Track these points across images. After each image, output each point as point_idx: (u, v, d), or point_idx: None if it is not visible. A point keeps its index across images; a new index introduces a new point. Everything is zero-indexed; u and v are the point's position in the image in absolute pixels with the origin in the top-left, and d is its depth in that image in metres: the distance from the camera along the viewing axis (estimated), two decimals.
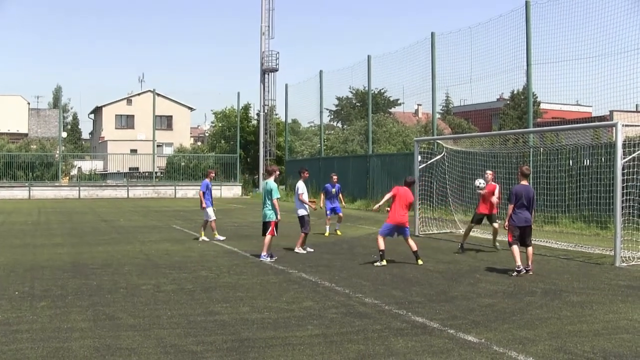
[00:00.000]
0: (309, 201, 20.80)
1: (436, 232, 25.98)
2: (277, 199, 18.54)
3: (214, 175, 25.27)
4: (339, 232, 25.74)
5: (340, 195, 26.35)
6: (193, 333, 10.11)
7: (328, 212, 25.62)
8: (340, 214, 25.99)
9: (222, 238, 23.35)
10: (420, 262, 17.44)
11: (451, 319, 11.12)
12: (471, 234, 24.89)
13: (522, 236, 16.22)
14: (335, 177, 25.99)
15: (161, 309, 11.87)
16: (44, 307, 11.94)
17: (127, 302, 12.51)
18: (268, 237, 18.46)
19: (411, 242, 17.79)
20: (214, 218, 23.85)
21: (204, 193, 23.82)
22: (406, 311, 11.73)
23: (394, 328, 10.50)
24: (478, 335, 10.01)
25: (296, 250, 20.05)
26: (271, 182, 18.79)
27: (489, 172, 21.01)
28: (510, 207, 16.19)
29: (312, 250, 20.42)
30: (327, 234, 25.16)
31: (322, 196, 25.91)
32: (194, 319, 11.03)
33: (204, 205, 23.73)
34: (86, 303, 12.37)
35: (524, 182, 16.48)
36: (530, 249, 16.27)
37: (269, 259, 18.27)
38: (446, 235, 25.11)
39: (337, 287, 14.23)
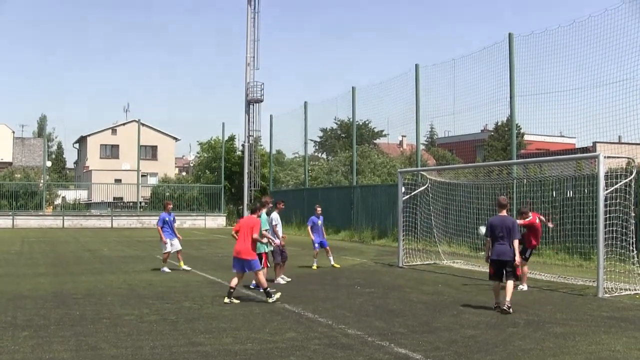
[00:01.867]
0: (282, 235, 20.58)
1: (419, 263, 25.97)
2: (266, 230, 18.45)
3: (171, 206, 24.59)
4: (336, 265, 25.09)
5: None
6: None
7: (317, 245, 24.99)
8: (328, 247, 25.37)
9: (167, 270, 23.09)
10: (270, 299, 16.36)
11: (434, 350, 11.13)
12: (454, 265, 24.99)
13: (500, 271, 15.32)
14: (319, 208, 25.61)
15: (144, 339, 11.83)
16: (26, 337, 11.88)
17: (109, 332, 12.46)
18: (260, 273, 17.87)
19: (260, 277, 16.63)
20: (169, 250, 23.47)
21: (161, 227, 23.54)
22: (389, 342, 11.73)
23: (376, 359, 10.50)
24: None
25: (276, 281, 19.98)
26: (262, 214, 18.74)
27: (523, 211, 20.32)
28: (487, 240, 15.58)
29: (289, 279, 20.41)
30: (315, 267, 24.78)
31: (309, 229, 25.34)
32: (177, 350, 11.00)
33: (164, 240, 23.48)
34: (69, 333, 12.32)
35: (503, 213, 15.71)
36: (509, 283, 15.25)
37: (275, 289, 18.26)
38: (430, 267, 25.11)
39: (320, 318, 14.22)
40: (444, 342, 11.85)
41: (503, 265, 15.28)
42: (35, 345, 11.23)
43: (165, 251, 23.44)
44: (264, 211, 18.73)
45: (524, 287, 19.01)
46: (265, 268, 18.44)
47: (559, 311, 15.33)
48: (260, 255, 18.32)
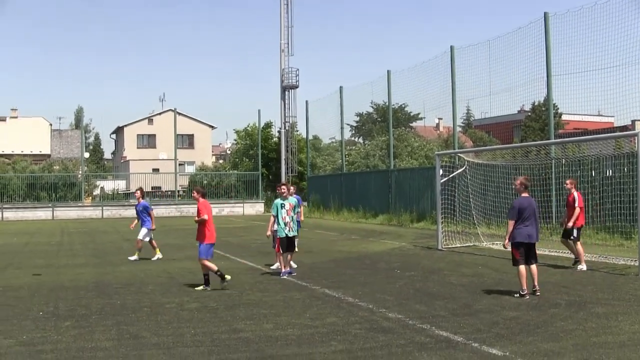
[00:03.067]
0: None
1: (459, 245, 25.86)
2: (273, 216, 18.61)
3: (139, 194, 24.27)
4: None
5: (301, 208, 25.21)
6: (217, 351, 10.10)
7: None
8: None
9: (132, 258, 23.09)
10: (204, 288, 16.27)
11: (475, 333, 11.07)
12: (493, 247, 24.81)
13: (526, 254, 14.93)
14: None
15: (185, 327, 11.87)
16: (68, 327, 11.96)
17: (150, 320, 12.53)
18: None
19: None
20: (139, 238, 23.54)
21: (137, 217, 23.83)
22: (430, 325, 11.69)
23: (418, 342, 10.46)
24: (502, 349, 9.95)
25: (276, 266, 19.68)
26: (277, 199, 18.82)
27: (567, 181, 20.43)
28: (511, 223, 14.93)
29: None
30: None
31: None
32: (218, 337, 11.03)
33: (153, 226, 23.57)
34: (110, 322, 12.39)
35: (525, 195, 15.28)
36: (534, 267, 14.95)
37: (286, 275, 18.32)
38: (469, 249, 25.00)
39: (361, 302, 14.20)
40: (485, 324, 11.79)
41: (530, 248, 14.97)
42: (77, 335, 11.30)
43: (139, 237, 23.59)
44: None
45: (583, 266, 19.10)
46: (278, 253, 18.50)
47: (601, 291, 15.20)
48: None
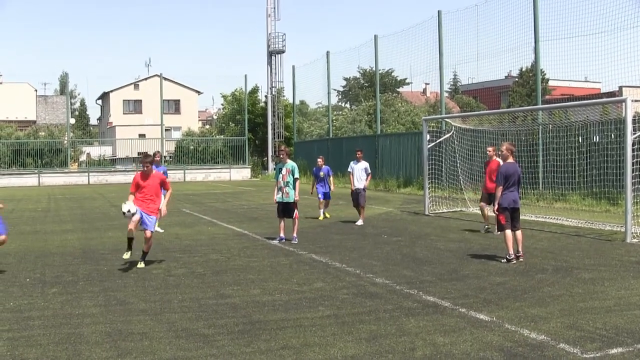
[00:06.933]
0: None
1: (446, 211, 25.93)
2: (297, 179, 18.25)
3: (158, 158, 21.84)
4: (327, 215, 24.83)
5: (331, 177, 25.05)
6: (204, 316, 10.09)
7: (320, 196, 24.73)
8: (327, 200, 24.86)
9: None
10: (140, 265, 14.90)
11: (462, 298, 11.09)
12: (479, 211, 24.89)
13: (511, 219, 14.96)
14: (320, 160, 25.00)
15: (172, 293, 11.86)
16: (55, 294, 11.93)
17: (138, 286, 12.51)
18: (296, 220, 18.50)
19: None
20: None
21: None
22: (417, 291, 11.70)
23: (405, 308, 10.48)
24: (490, 314, 9.98)
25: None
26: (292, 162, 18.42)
27: (489, 148, 20.55)
28: (499, 189, 14.96)
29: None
30: (321, 217, 24.63)
31: (313, 181, 25.23)
32: (205, 303, 11.02)
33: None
34: (97, 288, 12.36)
35: (511, 160, 15.29)
36: (519, 233, 14.98)
37: (277, 241, 18.29)
38: (456, 214, 25.05)
39: (348, 267, 14.20)
40: (473, 289, 11.81)
41: (515, 212, 15.01)
42: (64, 301, 11.28)
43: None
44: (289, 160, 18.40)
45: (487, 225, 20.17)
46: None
47: (587, 257, 15.24)
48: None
